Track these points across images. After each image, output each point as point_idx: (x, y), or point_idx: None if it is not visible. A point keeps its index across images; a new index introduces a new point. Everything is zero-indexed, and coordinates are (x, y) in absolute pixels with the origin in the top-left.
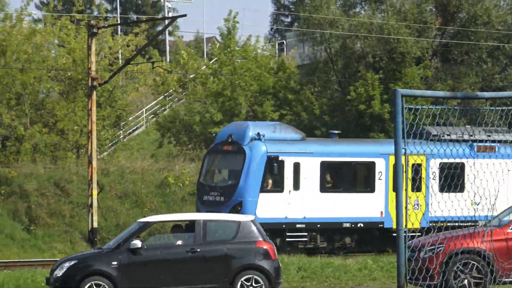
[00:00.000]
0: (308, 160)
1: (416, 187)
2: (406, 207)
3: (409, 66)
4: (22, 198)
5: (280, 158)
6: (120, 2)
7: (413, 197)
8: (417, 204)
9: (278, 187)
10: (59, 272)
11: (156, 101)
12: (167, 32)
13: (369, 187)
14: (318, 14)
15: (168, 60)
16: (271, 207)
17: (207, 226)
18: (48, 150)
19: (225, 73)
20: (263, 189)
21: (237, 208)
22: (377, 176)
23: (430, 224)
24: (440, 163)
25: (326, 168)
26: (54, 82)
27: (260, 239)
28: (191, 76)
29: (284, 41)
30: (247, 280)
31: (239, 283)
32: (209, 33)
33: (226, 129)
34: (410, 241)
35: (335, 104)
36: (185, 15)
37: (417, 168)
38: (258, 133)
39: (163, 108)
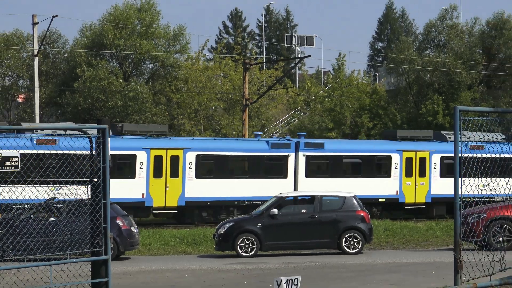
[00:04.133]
0: None
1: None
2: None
3: (463, 90)
4: None
5: None
6: (265, 47)
7: None
8: None
9: None
10: (221, 230)
11: (288, 115)
12: (297, 67)
13: None
14: (401, 55)
15: (297, 86)
16: None
17: (322, 200)
18: None
19: (336, 95)
20: None
21: None
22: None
23: None
24: None
25: None
26: (220, 101)
27: (359, 209)
28: (313, 98)
29: (377, 74)
30: (350, 236)
31: (344, 239)
32: (325, 68)
33: None
34: (463, 210)
35: (411, 117)
36: (309, 56)
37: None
38: None
39: (293, 119)
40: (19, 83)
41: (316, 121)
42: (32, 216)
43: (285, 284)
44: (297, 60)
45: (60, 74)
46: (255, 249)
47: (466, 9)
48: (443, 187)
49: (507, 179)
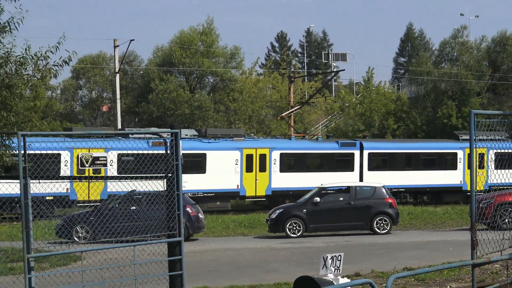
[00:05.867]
0: None
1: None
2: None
3: (473, 97)
4: None
5: None
6: (306, 63)
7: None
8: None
9: None
10: (273, 215)
11: (326, 119)
12: (333, 80)
13: None
14: (420, 68)
15: (333, 95)
16: None
17: (357, 189)
18: None
19: (366, 102)
20: None
21: None
22: None
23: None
24: None
25: None
26: (269, 109)
27: (387, 196)
28: (347, 104)
29: (400, 84)
30: (380, 220)
31: (375, 221)
32: (357, 80)
33: None
34: (477, 196)
35: (429, 120)
36: (343, 70)
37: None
38: None
39: (330, 123)
40: (103, 96)
41: (350, 124)
42: (117, 205)
43: (330, 260)
44: (333, 74)
45: (137, 87)
46: (301, 231)
47: (475, 29)
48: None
49: (195, 175)
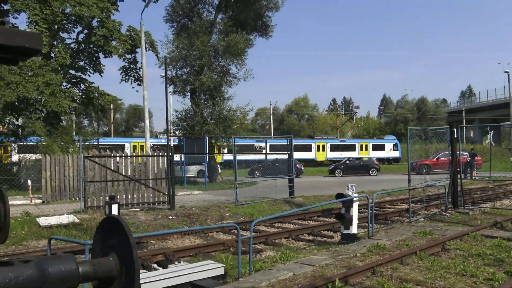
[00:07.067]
0: None
1: None
2: None
3: (410, 121)
4: None
5: None
6: (343, 109)
7: None
8: None
9: None
10: (330, 168)
11: (352, 130)
12: (354, 116)
13: None
14: (389, 111)
15: (354, 121)
16: None
17: (362, 159)
18: None
19: (367, 124)
20: None
21: None
22: None
23: None
24: None
25: None
26: (329, 126)
27: (375, 161)
28: (359, 125)
29: (381, 117)
30: (372, 170)
31: (370, 171)
32: (364, 115)
33: None
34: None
35: (393, 130)
36: (357, 111)
37: None
38: None
39: (354, 132)
40: (267, 122)
41: (361, 133)
42: (271, 163)
43: (350, 186)
44: (354, 114)
45: (279, 119)
46: (341, 174)
47: (412, 94)
48: None
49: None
